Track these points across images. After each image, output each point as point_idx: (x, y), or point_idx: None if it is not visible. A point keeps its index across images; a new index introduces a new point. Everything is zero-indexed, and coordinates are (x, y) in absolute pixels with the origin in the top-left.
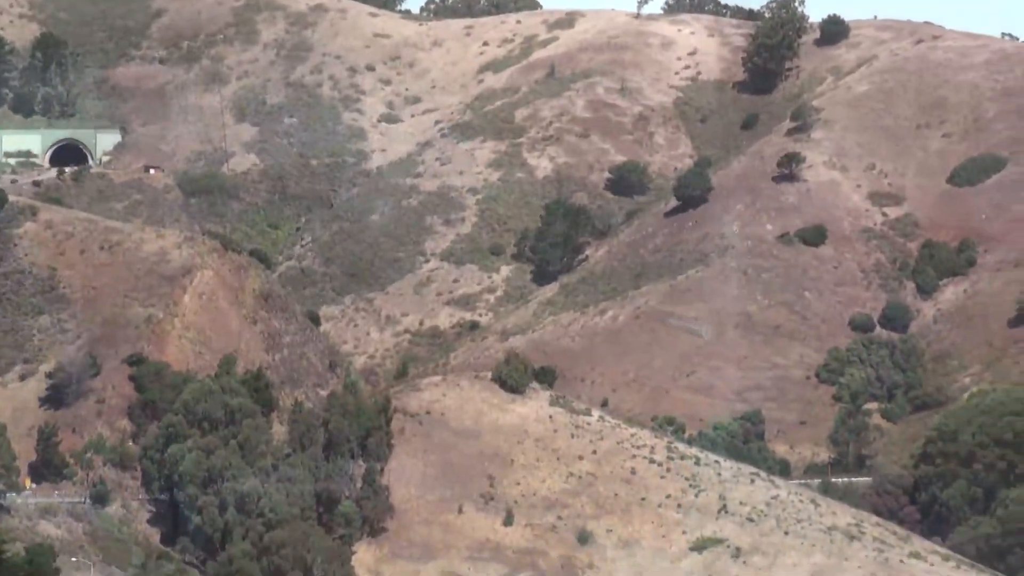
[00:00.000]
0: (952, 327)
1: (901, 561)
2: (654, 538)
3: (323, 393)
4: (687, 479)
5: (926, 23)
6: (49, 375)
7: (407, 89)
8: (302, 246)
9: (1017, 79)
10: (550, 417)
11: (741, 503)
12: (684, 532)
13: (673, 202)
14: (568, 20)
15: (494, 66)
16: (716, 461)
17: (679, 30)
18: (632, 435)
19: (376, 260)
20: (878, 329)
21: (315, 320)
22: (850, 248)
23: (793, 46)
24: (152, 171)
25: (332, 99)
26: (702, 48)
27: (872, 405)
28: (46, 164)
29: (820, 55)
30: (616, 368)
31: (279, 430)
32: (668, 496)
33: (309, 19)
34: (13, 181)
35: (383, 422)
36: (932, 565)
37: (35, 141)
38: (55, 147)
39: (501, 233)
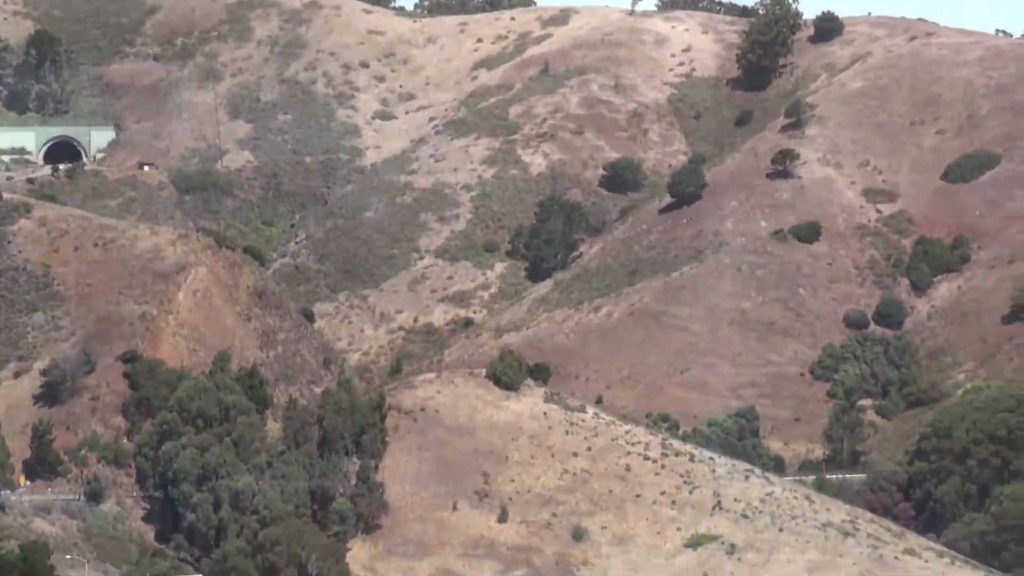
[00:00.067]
0: (946, 324)
1: (895, 558)
2: (648, 535)
3: (317, 390)
4: (681, 476)
5: (920, 20)
6: (43, 372)
7: (401, 86)
8: (296, 243)
9: (1011, 76)
10: (544, 414)
11: (735, 500)
12: (679, 529)
13: (667, 199)
14: (562, 17)
15: (488, 63)
16: (710, 458)
17: (673, 27)
18: (626, 432)
19: (370, 257)
20: (872, 326)
21: (309, 317)
22: (844, 245)
23: (787, 43)
24: (146, 168)
25: (326, 96)
26: (696, 45)
27: (866, 402)
28: (40, 161)
29: (814, 52)
30: (610, 365)
31: (273, 427)
32: (662, 493)
33: (303, 16)
34: (8, 178)
35: (377, 419)
36: (926, 561)
37: (29, 138)
38: (49, 144)
39: (495, 230)
